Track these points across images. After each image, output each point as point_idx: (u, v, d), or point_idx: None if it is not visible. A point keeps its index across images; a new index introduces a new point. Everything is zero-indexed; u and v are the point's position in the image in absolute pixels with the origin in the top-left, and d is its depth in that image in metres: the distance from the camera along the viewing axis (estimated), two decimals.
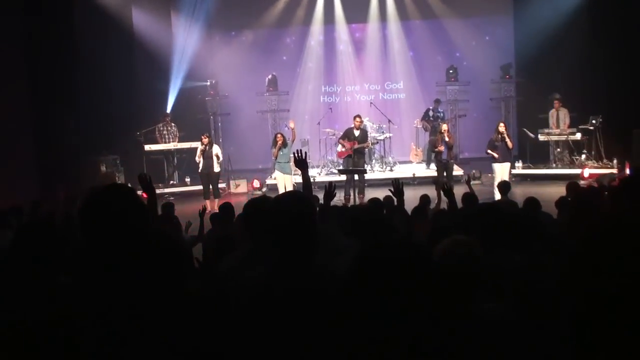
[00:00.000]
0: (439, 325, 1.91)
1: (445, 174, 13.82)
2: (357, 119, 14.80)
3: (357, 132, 14.54)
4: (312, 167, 16.19)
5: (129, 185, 11.76)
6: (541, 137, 16.91)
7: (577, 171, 15.75)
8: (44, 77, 13.91)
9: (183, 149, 17.20)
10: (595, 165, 16.03)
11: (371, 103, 18.98)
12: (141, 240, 2.28)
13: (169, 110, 18.14)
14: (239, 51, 20.40)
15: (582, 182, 12.34)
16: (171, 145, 17.22)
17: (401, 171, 17.50)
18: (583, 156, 16.47)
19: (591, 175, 15.14)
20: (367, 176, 15.39)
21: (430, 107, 18.56)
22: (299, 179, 5.39)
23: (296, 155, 5.32)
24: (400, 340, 1.84)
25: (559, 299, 2.48)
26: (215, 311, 2.44)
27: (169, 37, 19.10)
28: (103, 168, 15.77)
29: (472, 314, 2.41)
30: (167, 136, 17.36)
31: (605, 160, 16.08)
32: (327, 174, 17.16)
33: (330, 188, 5.07)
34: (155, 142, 17.18)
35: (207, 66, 20.01)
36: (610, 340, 1.12)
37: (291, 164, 14.11)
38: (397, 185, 5.72)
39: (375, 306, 1.85)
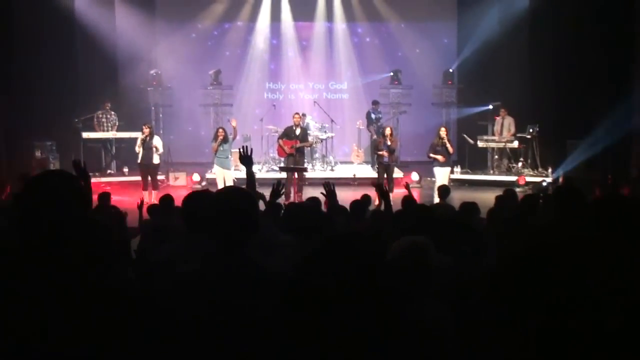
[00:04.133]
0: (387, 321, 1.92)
1: (385, 176, 13.94)
2: (296, 116, 14.82)
3: (297, 130, 14.53)
4: (254, 163, 16.09)
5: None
6: (480, 144, 17.22)
7: (514, 178, 16.07)
8: None
9: (122, 138, 16.96)
10: (531, 173, 16.40)
11: (315, 102, 19.00)
12: (80, 228, 2.22)
13: (110, 98, 17.72)
14: (184, 43, 20.11)
15: (518, 189, 12.60)
16: (110, 134, 16.93)
17: (342, 171, 17.59)
18: (520, 164, 16.83)
19: (527, 183, 15.52)
20: (308, 175, 15.41)
21: (371, 110, 18.66)
22: (239, 175, 5.35)
23: (241, 151, 5.28)
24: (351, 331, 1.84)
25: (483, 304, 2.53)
26: (144, 304, 2.39)
27: (112, 23, 18.63)
28: (38, 154, 15.39)
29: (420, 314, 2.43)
30: (106, 124, 17.05)
31: (540, 169, 16.48)
32: (267, 171, 17.09)
33: (278, 186, 5.02)
34: (93, 129, 16.85)
35: (151, 56, 19.67)
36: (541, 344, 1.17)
37: (231, 159, 14.05)
38: (329, 187, 5.57)
39: (327, 298, 1.85)
